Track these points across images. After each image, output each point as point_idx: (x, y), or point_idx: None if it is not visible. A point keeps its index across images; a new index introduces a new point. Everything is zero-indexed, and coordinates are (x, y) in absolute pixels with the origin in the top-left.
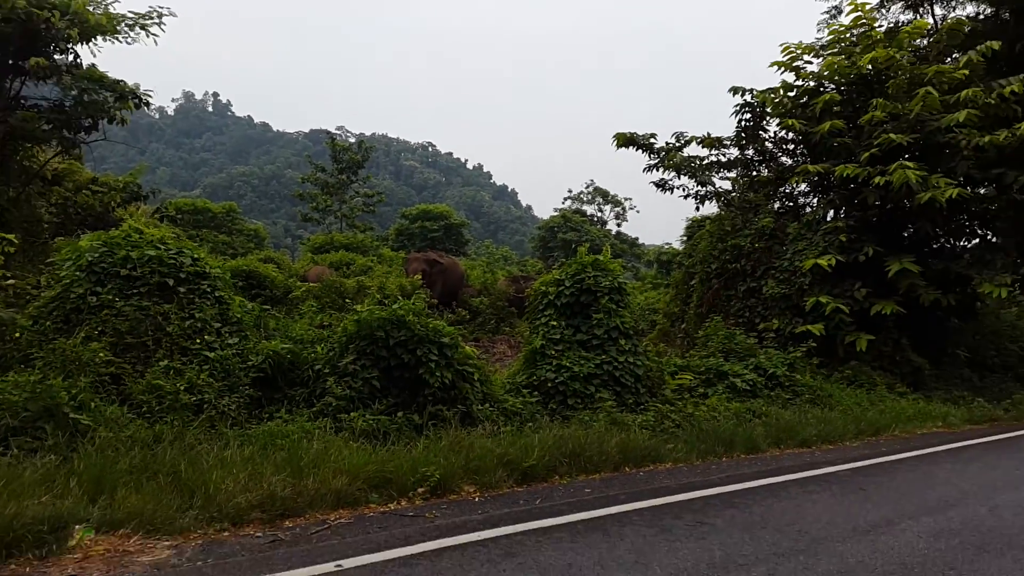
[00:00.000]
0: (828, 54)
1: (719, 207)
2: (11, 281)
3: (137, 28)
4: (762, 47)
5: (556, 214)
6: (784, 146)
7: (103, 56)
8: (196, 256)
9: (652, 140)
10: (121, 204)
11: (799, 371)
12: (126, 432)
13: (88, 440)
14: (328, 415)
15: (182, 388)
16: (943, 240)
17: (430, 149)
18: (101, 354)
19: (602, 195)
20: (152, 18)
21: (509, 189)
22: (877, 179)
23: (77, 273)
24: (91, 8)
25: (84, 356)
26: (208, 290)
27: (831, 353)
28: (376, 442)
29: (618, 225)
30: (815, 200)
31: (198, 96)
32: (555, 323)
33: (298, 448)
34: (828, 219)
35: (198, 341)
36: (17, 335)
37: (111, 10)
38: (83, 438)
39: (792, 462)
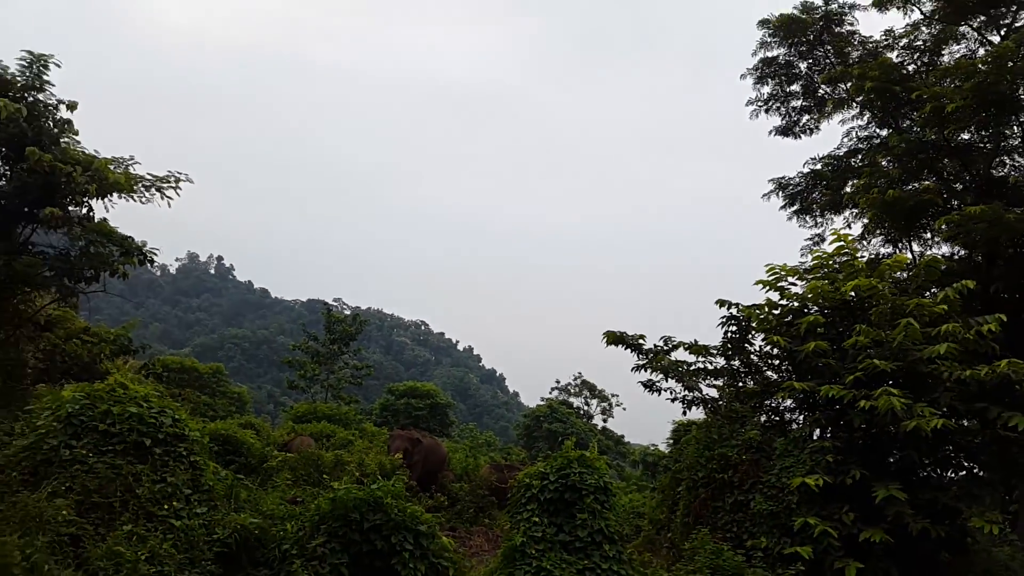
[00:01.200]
0: (812, 278)
1: (706, 414)
2: None
3: (153, 190)
4: (746, 263)
5: (543, 403)
6: (769, 360)
7: (117, 212)
8: (177, 417)
9: (641, 341)
10: (110, 356)
11: None
12: None
13: None
14: None
15: (143, 557)
16: (930, 469)
17: (423, 328)
18: (64, 512)
19: (589, 389)
20: (169, 182)
21: (497, 374)
22: (862, 403)
23: (54, 424)
24: (112, 167)
25: (47, 514)
26: (184, 453)
27: None
28: None
29: (604, 420)
30: (801, 417)
31: (202, 258)
32: (537, 519)
33: None
34: (815, 437)
35: (166, 507)
36: None
37: (131, 170)
38: None
39: None
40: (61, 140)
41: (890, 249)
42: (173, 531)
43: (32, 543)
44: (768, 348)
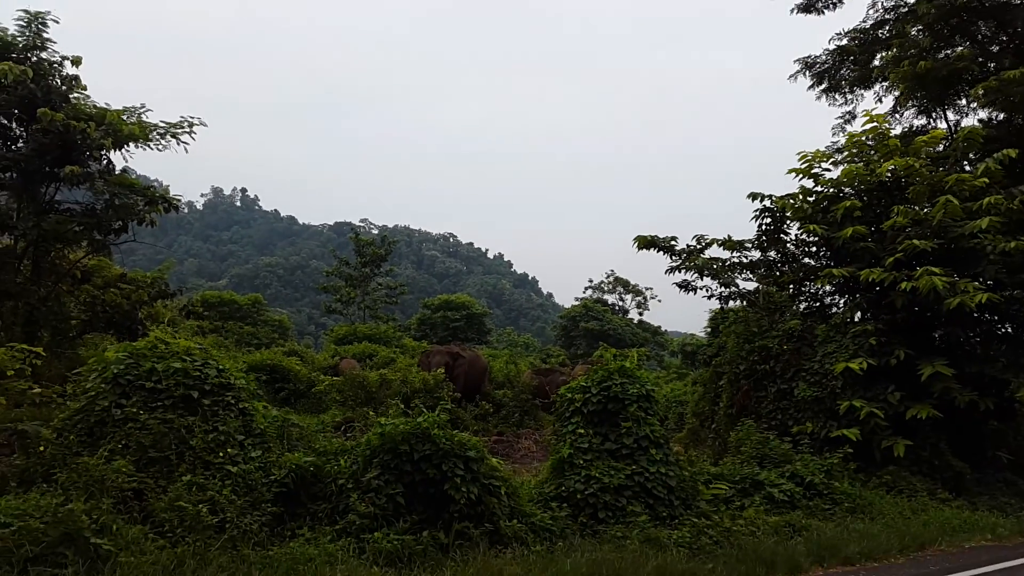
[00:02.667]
0: (844, 159)
1: (744, 307)
2: (37, 390)
3: (168, 136)
4: (779, 150)
5: (577, 303)
6: (806, 248)
7: (138, 152)
8: (221, 367)
9: (673, 243)
10: (148, 301)
11: (837, 478)
12: (148, 557)
13: (109, 568)
14: (351, 534)
15: (204, 509)
16: (976, 343)
17: (451, 239)
18: (124, 470)
19: (623, 285)
20: (183, 127)
21: (530, 277)
22: (904, 284)
23: (102, 385)
24: (125, 118)
25: (108, 477)
26: (232, 401)
27: (868, 458)
28: (401, 566)
29: (640, 314)
30: (841, 302)
31: (227, 192)
32: (582, 431)
33: None
34: (856, 321)
35: (221, 454)
36: (42, 448)
37: (143, 119)
38: (104, 564)
39: None
40: (71, 97)
41: (924, 120)
42: (231, 477)
43: (98, 506)
44: (804, 237)
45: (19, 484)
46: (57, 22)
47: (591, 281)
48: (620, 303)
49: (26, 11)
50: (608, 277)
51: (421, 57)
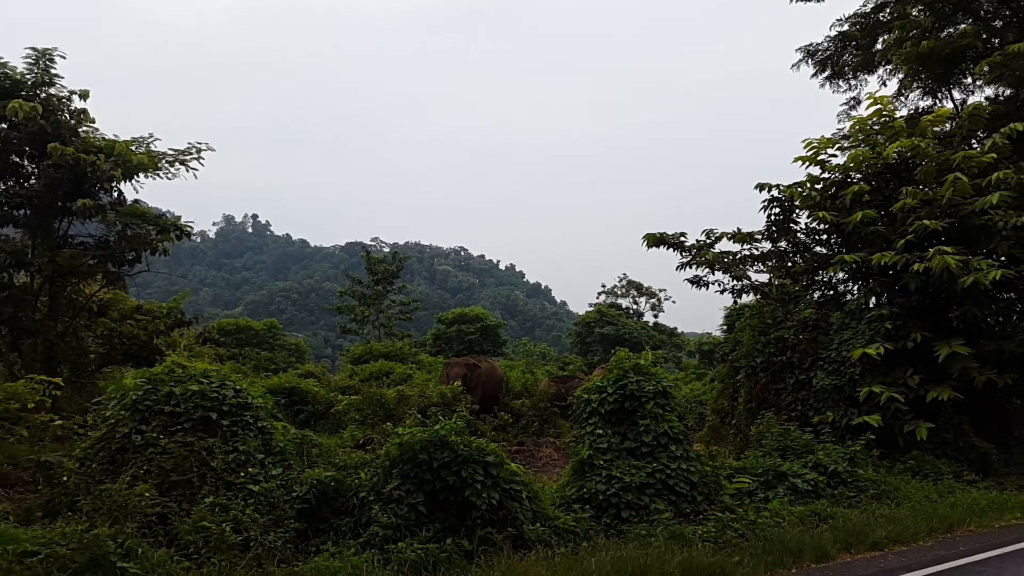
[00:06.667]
0: (850, 145)
1: (758, 300)
2: (58, 422)
3: (177, 164)
4: (780, 146)
5: (591, 309)
6: (817, 236)
7: (149, 185)
8: (238, 387)
9: (682, 239)
10: (165, 331)
11: (860, 465)
12: None
13: None
14: (375, 546)
15: (228, 529)
16: (993, 320)
17: (462, 253)
18: (147, 495)
19: (636, 288)
20: (191, 153)
21: (543, 286)
22: (916, 266)
23: (122, 412)
24: (133, 148)
25: (131, 502)
26: (251, 421)
27: (891, 444)
28: (426, 574)
29: (655, 316)
30: (855, 288)
31: (238, 219)
32: (601, 431)
33: None
34: (870, 306)
35: (242, 474)
36: (65, 478)
37: (152, 148)
38: None
39: (865, 569)
40: (80, 130)
41: (929, 101)
42: (253, 496)
43: (123, 530)
44: (814, 224)
45: (44, 515)
46: (64, 58)
47: (604, 286)
48: (634, 306)
49: (34, 48)
50: (621, 281)
51: (422, 74)
